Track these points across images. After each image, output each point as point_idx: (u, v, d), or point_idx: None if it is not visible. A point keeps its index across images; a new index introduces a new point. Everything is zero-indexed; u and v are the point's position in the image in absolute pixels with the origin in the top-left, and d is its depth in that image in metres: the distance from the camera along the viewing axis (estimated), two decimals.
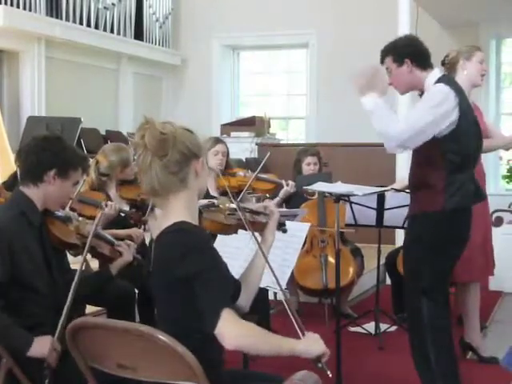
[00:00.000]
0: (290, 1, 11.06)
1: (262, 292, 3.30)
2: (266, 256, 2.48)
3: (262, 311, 4.11)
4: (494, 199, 5.06)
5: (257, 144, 9.87)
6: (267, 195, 5.57)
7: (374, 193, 4.52)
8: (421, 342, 3.47)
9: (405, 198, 4.23)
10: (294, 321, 2.32)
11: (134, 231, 4.20)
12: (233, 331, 2.08)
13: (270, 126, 10.54)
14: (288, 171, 5.99)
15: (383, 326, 5.05)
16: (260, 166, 5.34)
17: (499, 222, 6.83)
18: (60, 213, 3.09)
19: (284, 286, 3.34)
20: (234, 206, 2.56)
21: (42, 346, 2.69)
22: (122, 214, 4.21)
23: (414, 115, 3.37)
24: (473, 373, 4.19)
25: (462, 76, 4.26)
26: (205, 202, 2.82)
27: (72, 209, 3.56)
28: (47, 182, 2.87)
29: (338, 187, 4.38)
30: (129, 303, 3.88)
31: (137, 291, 4.01)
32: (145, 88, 11.38)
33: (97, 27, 9.99)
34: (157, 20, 11.36)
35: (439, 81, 3.44)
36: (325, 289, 5.24)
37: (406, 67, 3.48)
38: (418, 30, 7.54)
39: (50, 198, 2.91)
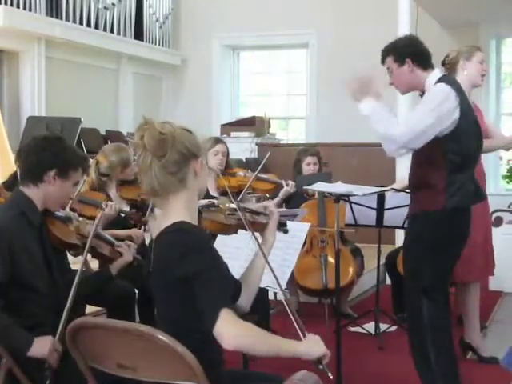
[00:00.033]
0: (290, 1, 11.06)
1: (262, 292, 3.30)
2: (266, 256, 2.48)
3: (261, 311, 4.11)
4: (494, 199, 5.06)
5: (257, 144, 9.88)
6: (267, 195, 5.57)
7: (374, 193, 4.52)
8: (421, 342, 3.47)
9: (405, 198, 4.23)
10: (294, 321, 2.32)
11: (134, 232, 4.20)
12: (231, 331, 2.08)
13: (269, 126, 10.55)
14: (288, 171, 5.99)
15: (383, 326, 5.05)
16: (260, 166, 5.34)
17: (499, 222, 6.83)
18: (60, 213, 3.09)
19: (284, 286, 3.34)
20: (234, 206, 2.56)
21: (42, 346, 2.69)
22: (122, 215, 4.21)
23: (414, 117, 3.37)
24: (473, 373, 4.19)
25: (463, 76, 4.26)
26: (205, 202, 2.82)
27: (72, 209, 3.55)
28: (47, 182, 2.87)
29: (338, 187, 4.38)
30: (129, 303, 3.88)
31: (137, 291, 4.01)
32: (145, 88, 11.39)
33: (97, 27, 9.99)
34: (157, 20, 11.36)
35: (440, 81, 3.44)
36: (325, 289, 5.24)
37: (406, 67, 3.48)
38: (418, 30, 7.54)
39: (50, 198, 2.91)
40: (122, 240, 3.54)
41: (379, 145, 3.57)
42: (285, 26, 11.05)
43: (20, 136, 7.78)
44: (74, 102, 9.65)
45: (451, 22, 9.61)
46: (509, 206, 7.95)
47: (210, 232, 2.65)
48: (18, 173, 3.05)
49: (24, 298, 2.78)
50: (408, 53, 3.48)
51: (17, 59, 9.24)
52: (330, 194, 4.38)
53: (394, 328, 5.09)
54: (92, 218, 3.41)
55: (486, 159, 4.70)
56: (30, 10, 8.80)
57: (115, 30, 10.40)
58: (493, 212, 6.25)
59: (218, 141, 5.24)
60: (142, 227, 4.29)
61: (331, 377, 2.15)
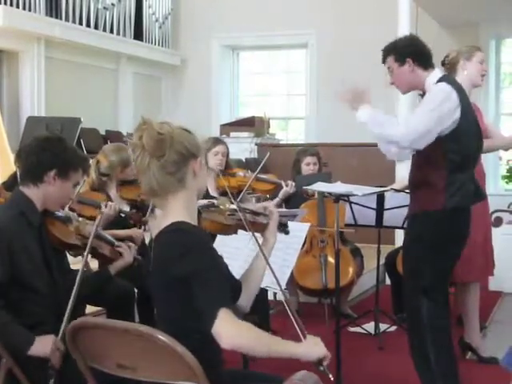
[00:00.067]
0: (290, 1, 11.06)
1: (262, 292, 3.30)
2: (266, 256, 2.48)
3: (261, 311, 4.11)
4: (494, 199, 5.06)
5: (256, 144, 9.87)
6: (267, 195, 5.57)
7: (374, 193, 4.52)
8: (420, 342, 3.47)
9: (404, 199, 4.23)
10: (294, 321, 2.32)
11: (134, 231, 4.21)
12: (230, 331, 2.07)
13: (269, 126, 10.54)
14: (287, 171, 5.99)
15: (383, 326, 5.05)
16: (260, 167, 5.34)
17: (499, 222, 6.83)
18: (60, 213, 3.09)
19: (284, 286, 3.34)
20: (233, 206, 2.56)
21: (44, 345, 2.68)
22: (122, 215, 4.21)
23: (416, 117, 3.37)
24: (472, 373, 4.19)
25: (463, 76, 4.27)
26: (205, 202, 2.82)
27: (71, 209, 3.55)
28: (47, 183, 2.87)
29: (338, 187, 4.38)
30: (128, 303, 3.88)
31: (136, 291, 4.01)
32: (144, 88, 11.38)
33: (96, 27, 9.99)
34: (156, 20, 11.36)
35: (440, 80, 3.45)
36: (324, 289, 5.24)
37: (407, 66, 3.49)
38: (418, 30, 7.55)
39: (49, 198, 2.91)
40: (123, 240, 3.54)
41: None
42: (284, 26, 11.05)
43: (20, 136, 7.78)
44: (73, 102, 9.65)
45: (451, 22, 9.61)
46: (508, 206, 7.95)
47: (210, 232, 2.65)
48: (18, 173, 3.05)
49: (23, 298, 2.77)
50: (409, 52, 3.48)
51: (16, 59, 9.24)
52: (330, 194, 4.38)
53: (393, 328, 5.09)
54: (91, 219, 3.41)
55: (486, 159, 4.70)
56: (30, 10, 8.80)
57: (115, 30, 10.39)
58: (492, 212, 6.25)
59: (218, 141, 5.24)
60: (142, 227, 4.29)
61: (332, 378, 2.15)
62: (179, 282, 2.14)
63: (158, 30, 11.41)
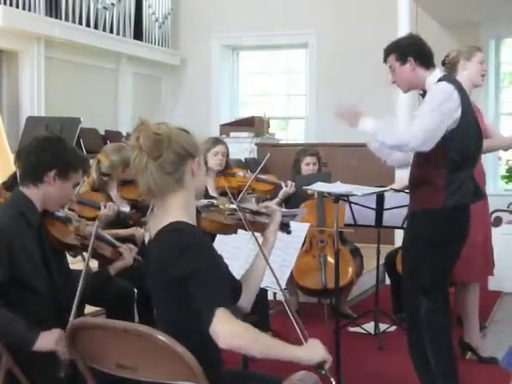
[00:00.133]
0: (290, 1, 11.06)
1: (262, 292, 3.30)
2: (266, 256, 2.48)
3: (261, 311, 4.11)
4: (493, 199, 5.06)
5: (256, 144, 9.86)
6: (268, 196, 5.57)
7: (374, 193, 4.53)
8: (418, 340, 3.47)
9: (404, 198, 4.23)
10: (293, 321, 2.32)
11: (136, 231, 4.21)
12: (227, 330, 2.07)
13: (269, 126, 10.54)
14: (287, 171, 5.99)
15: (383, 326, 5.05)
16: (260, 167, 5.33)
17: (498, 222, 6.83)
18: (60, 213, 3.09)
19: (283, 286, 3.34)
20: (233, 206, 2.56)
21: (48, 339, 2.67)
22: (122, 215, 4.21)
23: (421, 119, 3.37)
24: (472, 373, 4.19)
25: (463, 76, 4.27)
26: (205, 201, 2.82)
27: (71, 210, 3.55)
28: (47, 183, 2.87)
29: (338, 187, 4.39)
30: (128, 303, 3.88)
31: (136, 291, 4.01)
32: (144, 88, 11.38)
33: (96, 27, 9.99)
34: (156, 20, 11.36)
35: (441, 80, 3.45)
36: (324, 289, 5.24)
37: (409, 65, 3.50)
38: (418, 30, 7.53)
39: (49, 198, 2.91)
40: (124, 239, 3.54)
41: None
42: (284, 26, 11.05)
43: (19, 136, 7.77)
44: (73, 102, 9.65)
45: (450, 21, 9.61)
46: (508, 206, 7.95)
47: (210, 232, 2.65)
48: (18, 173, 3.04)
49: (23, 298, 2.77)
50: (410, 51, 3.49)
51: (16, 59, 9.24)
52: (330, 194, 4.38)
53: (393, 328, 5.09)
54: (91, 219, 3.41)
55: (485, 159, 4.70)
56: (30, 10, 8.80)
57: (114, 30, 10.39)
58: (492, 212, 6.25)
59: (218, 141, 5.24)
60: (143, 227, 4.29)
61: (334, 382, 2.15)
62: (178, 283, 2.14)
63: (157, 30, 11.41)
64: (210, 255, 2.22)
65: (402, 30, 6.68)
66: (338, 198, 4.19)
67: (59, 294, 2.88)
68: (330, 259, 5.29)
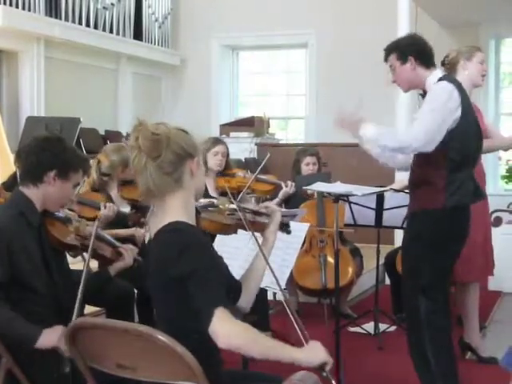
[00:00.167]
0: (290, 1, 11.06)
1: (261, 292, 3.30)
2: (265, 256, 2.48)
3: (261, 311, 4.11)
4: (493, 199, 5.06)
5: (256, 144, 9.86)
6: (267, 196, 5.57)
7: (373, 193, 4.52)
8: (418, 339, 3.47)
9: (404, 199, 4.23)
10: (293, 321, 2.32)
11: (136, 231, 4.21)
12: (226, 330, 2.07)
13: (269, 126, 10.54)
14: (287, 171, 5.99)
15: (382, 326, 5.05)
16: (259, 168, 5.33)
17: (498, 222, 6.83)
18: (60, 213, 3.09)
19: (283, 286, 3.34)
20: (233, 206, 2.56)
21: (51, 336, 2.66)
22: (121, 216, 4.21)
23: (422, 119, 3.37)
24: (472, 373, 4.19)
25: (463, 76, 4.27)
26: (205, 201, 2.83)
27: (71, 210, 3.55)
28: (47, 183, 2.87)
29: (337, 187, 4.39)
30: (128, 303, 3.88)
31: (136, 291, 4.01)
32: (144, 88, 11.38)
33: (96, 27, 9.99)
34: (156, 20, 11.36)
35: (441, 79, 3.46)
36: (324, 289, 5.24)
37: (409, 65, 3.50)
38: (418, 30, 7.51)
39: (49, 198, 2.91)
40: (124, 240, 3.53)
41: None
42: (284, 26, 11.05)
43: (19, 136, 7.77)
44: (73, 102, 9.65)
45: (450, 21, 9.61)
46: (508, 206, 7.95)
47: (209, 232, 2.66)
48: (18, 173, 3.04)
49: (23, 298, 2.77)
50: (411, 51, 3.50)
51: (16, 59, 9.24)
52: (329, 194, 4.38)
53: (393, 328, 5.09)
54: (91, 219, 3.41)
55: (485, 159, 4.70)
56: (30, 10, 8.79)
57: (114, 30, 10.39)
58: (492, 212, 6.25)
59: (218, 141, 5.23)
60: (143, 227, 4.28)
61: None
62: (177, 282, 2.14)
63: (157, 30, 11.40)
64: (210, 255, 2.22)
65: (402, 30, 6.69)
66: (338, 198, 4.19)
67: (59, 294, 2.88)
68: (330, 259, 5.29)
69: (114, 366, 2.13)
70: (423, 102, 3.48)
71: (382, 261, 5.37)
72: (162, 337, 2.01)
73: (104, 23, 10.16)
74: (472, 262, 4.33)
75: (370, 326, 5.14)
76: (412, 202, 3.57)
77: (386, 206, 4.91)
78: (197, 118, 10.62)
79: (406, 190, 4.07)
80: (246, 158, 9.30)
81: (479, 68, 4.37)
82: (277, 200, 5.55)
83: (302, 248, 4.68)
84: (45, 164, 2.86)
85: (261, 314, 4.01)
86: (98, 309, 4.13)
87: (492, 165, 9.89)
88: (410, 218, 3.64)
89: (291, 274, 4.42)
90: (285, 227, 2.69)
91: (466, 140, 3.41)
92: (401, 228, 4.85)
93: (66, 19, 9.43)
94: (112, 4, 10.28)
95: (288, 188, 5.56)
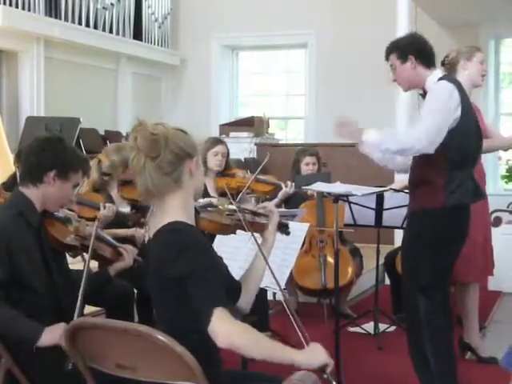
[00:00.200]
0: (289, 1, 11.06)
1: (261, 292, 3.30)
2: (265, 257, 2.48)
3: (260, 311, 4.11)
4: (493, 199, 5.06)
5: (256, 144, 9.86)
6: (267, 196, 5.57)
7: (373, 193, 4.52)
8: (417, 339, 3.47)
9: (404, 199, 4.23)
10: (293, 321, 2.32)
11: (136, 231, 4.21)
12: (226, 329, 2.07)
13: (268, 126, 10.54)
14: (287, 171, 5.99)
15: (382, 326, 5.05)
16: (259, 168, 5.33)
17: (498, 222, 6.83)
18: (60, 214, 3.09)
19: (283, 286, 3.34)
20: (232, 206, 2.56)
21: (53, 334, 2.66)
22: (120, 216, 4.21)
23: (423, 121, 3.37)
24: (472, 373, 4.19)
25: (463, 76, 4.27)
26: (206, 200, 2.83)
27: (70, 210, 3.55)
28: (47, 183, 2.87)
29: (337, 187, 4.39)
30: (128, 303, 3.88)
31: (136, 291, 4.01)
32: (144, 88, 11.38)
33: (96, 27, 9.99)
34: (156, 20, 11.36)
35: (441, 79, 3.46)
36: (324, 289, 5.24)
37: (409, 64, 3.51)
38: (417, 30, 7.50)
39: (49, 199, 2.91)
40: (124, 240, 3.53)
41: None
42: (284, 26, 11.05)
43: (19, 136, 7.79)
44: (72, 102, 9.65)
45: (450, 22, 9.61)
46: (508, 206, 7.95)
47: (209, 232, 2.65)
48: (18, 173, 3.04)
49: (23, 298, 2.77)
50: (411, 50, 3.51)
51: (16, 59, 9.24)
52: (329, 194, 4.38)
53: (393, 328, 5.09)
54: (90, 220, 3.41)
55: (485, 159, 4.71)
56: (29, 10, 8.80)
57: (114, 30, 10.39)
58: (492, 212, 6.25)
59: (218, 141, 5.23)
60: (143, 227, 4.28)
61: None
62: (176, 282, 2.14)
63: (157, 30, 11.41)
64: (209, 255, 2.22)
65: (402, 30, 6.67)
66: (338, 198, 4.19)
67: (59, 294, 2.88)
68: (330, 259, 5.29)
69: (113, 365, 2.13)
70: (423, 103, 3.49)
71: (381, 261, 5.37)
72: (162, 337, 2.01)
73: (104, 23, 10.16)
74: (472, 262, 4.33)
75: (369, 326, 5.14)
76: (412, 202, 3.57)
77: (385, 205, 4.91)
78: (196, 118, 10.63)
79: (406, 190, 4.08)
80: (245, 158, 9.30)
81: (479, 68, 4.38)
82: (276, 200, 5.55)
83: (301, 248, 4.68)
84: (45, 164, 2.86)
85: (260, 314, 4.01)
86: (97, 309, 4.13)
87: (492, 165, 9.89)
88: (409, 217, 3.64)
89: (291, 273, 4.42)
90: (284, 228, 2.69)
91: (465, 140, 3.41)
92: (401, 228, 4.85)
93: (66, 19, 9.43)
94: (112, 4, 10.28)
95: (288, 188, 5.56)
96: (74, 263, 3.41)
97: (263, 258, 2.47)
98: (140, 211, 4.23)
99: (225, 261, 2.40)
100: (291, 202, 5.61)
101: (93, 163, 4.33)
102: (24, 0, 8.71)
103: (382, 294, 5.29)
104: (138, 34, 10.97)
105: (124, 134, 9.38)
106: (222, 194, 4.72)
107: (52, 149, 2.88)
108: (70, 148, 2.98)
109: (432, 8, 8.83)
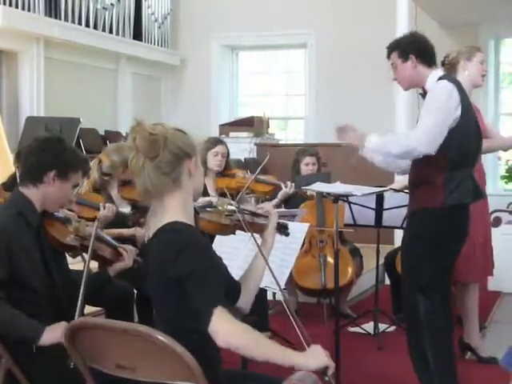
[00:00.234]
0: (289, 1, 11.06)
1: (261, 292, 3.29)
2: (265, 257, 2.48)
3: (260, 311, 4.11)
4: (493, 199, 5.06)
5: (256, 144, 9.86)
6: (267, 196, 5.57)
7: (373, 193, 4.52)
8: (417, 339, 3.47)
9: (403, 199, 4.23)
10: (293, 321, 2.32)
11: (137, 231, 4.21)
12: (226, 329, 2.08)
13: (268, 126, 10.53)
14: (287, 171, 5.99)
15: (382, 326, 5.05)
16: (259, 169, 5.32)
17: (498, 222, 6.82)
18: (59, 214, 3.09)
19: (283, 286, 3.34)
20: (232, 206, 2.56)
21: (55, 332, 2.66)
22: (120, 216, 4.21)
23: (423, 122, 3.37)
24: (472, 373, 4.19)
25: (464, 76, 4.27)
26: (206, 199, 2.83)
27: (70, 210, 3.55)
28: (47, 183, 2.87)
29: (337, 187, 4.39)
30: (127, 303, 3.88)
31: (135, 291, 4.01)
32: (144, 88, 11.39)
33: (95, 27, 9.99)
34: (155, 20, 11.36)
35: (441, 78, 3.46)
36: (323, 289, 5.24)
37: (410, 63, 3.52)
38: (417, 30, 7.53)
39: (49, 199, 2.91)
40: (124, 240, 3.53)
41: None
42: (284, 26, 11.05)
43: (19, 136, 7.79)
44: (72, 102, 9.65)
45: (450, 22, 9.61)
46: (508, 206, 7.95)
47: (208, 232, 2.65)
48: (17, 174, 3.04)
49: (23, 298, 2.77)
50: (412, 49, 3.52)
51: (15, 59, 9.24)
52: (329, 194, 4.38)
53: (392, 328, 5.10)
54: (90, 220, 3.41)
55: (485, 159, 4.71)
56: (29, 10, 8.80)
57: (114, 31, 10.39)
58: (492, 212, 6.25)
59: (218, 142, 5.22)
60: (143, 227, 4.28)
61: None
62: (176, 283, 2.14)
63: (157, 30, 11.41)
64: (208, 255, 2.22)
65: (402, 30, 6.66)
66: (338, 198, 4.19)
67: (59, 294, 2.88)
68: (330, 259, 5.29)
69: (113, 366, 2.13)
70: (424, 103, 3.48)
71: (381, 261, 5.37)
72: (162, 337, 2.01)
73: (104, 23, 10.16)
74: (472, 263, 4.33)
75: (369, 326, 5.14)
76: (412, 202, 3.58)
77: (385, 205, 4.91)
78: (196, 118, 10.63)
79: (406, 190, 4.07)
80: (245, 158, 9.30)
81: (479, 68, 4.38)
82: (276, 200, 5.55)
83: (301, 248, 4.67)
84: (44, 164, 2.86)
85: (260, 314, 4.00)
86: (97, 309, 4.13)
87: (492, 165, 9.88)
88: (409, 217, 3.64)
89: (291, 273, 4.42)
90: (283, 229, 2.69)
91: (465, 140, 3.41)
92: (400, 228, 4.85)
93: (66, 19, 9.43)
94: (111, 4, 10.29)
95: (287, 188, 5.56)
96: (74, 263, 3.41)
97: (263, 258, 2.47)
98: (140, 211, 4.23)
99: (224, 261, 2.40)
100: (291, 202, 5.61)
101: (93, 163, 4.33)
102: (24, 0, 8.71)
103: (382, 294, 5.29)
104: (137, 34, 10.98)
105: (124, 134, 9.38)
106: (222, 195, 4.72)
107: (52, 149, 2.89)
108: (69, 148, 2.98)
109: (432, 8, 8.83)
